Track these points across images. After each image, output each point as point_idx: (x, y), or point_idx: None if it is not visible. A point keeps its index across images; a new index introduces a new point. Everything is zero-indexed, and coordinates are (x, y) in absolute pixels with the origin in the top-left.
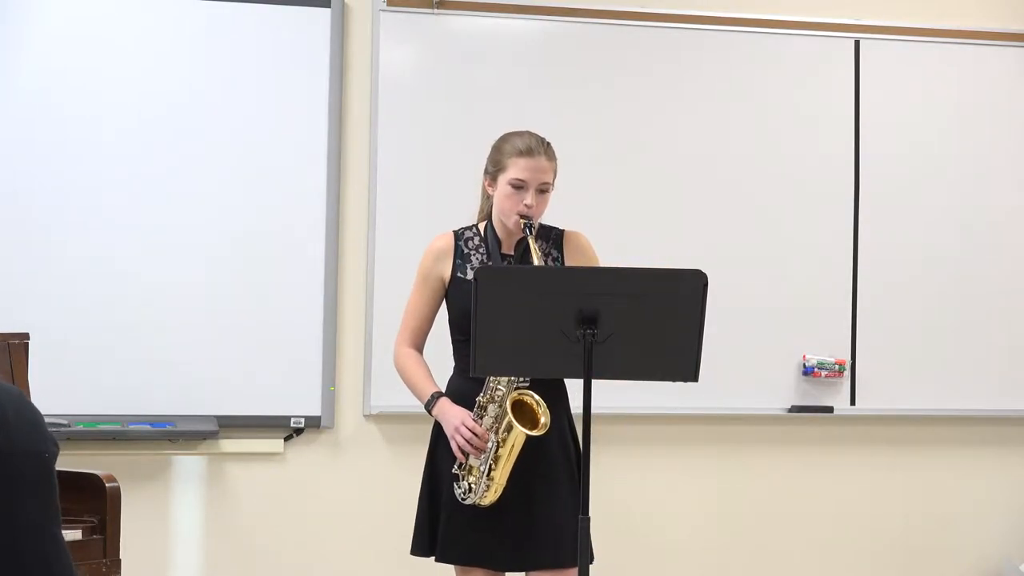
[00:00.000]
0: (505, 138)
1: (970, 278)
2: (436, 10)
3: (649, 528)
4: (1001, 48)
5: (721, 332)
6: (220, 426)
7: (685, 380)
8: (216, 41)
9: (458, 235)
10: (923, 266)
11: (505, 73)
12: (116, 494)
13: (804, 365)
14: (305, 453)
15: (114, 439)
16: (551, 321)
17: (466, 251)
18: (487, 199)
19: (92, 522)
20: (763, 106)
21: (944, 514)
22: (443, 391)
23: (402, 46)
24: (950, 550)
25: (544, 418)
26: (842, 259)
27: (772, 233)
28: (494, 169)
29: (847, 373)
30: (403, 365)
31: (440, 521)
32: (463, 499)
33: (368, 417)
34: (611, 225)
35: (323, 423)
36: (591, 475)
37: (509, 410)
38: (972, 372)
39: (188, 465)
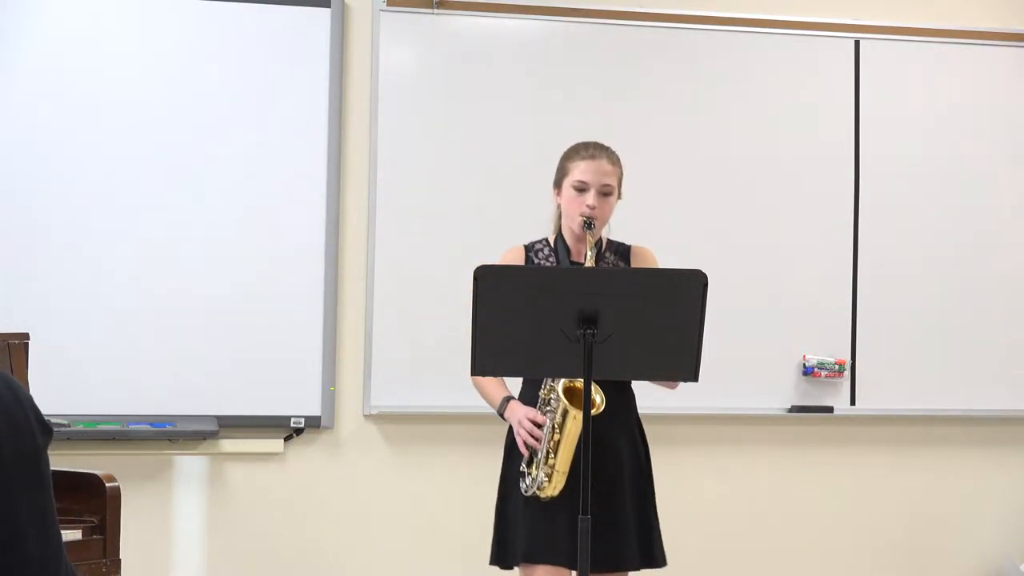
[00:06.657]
0: (569, 148)
1: (970, 278)
2: (436, 10)
3: None
4: (1001, 48)
5: (721, 332)
6: (220, 426)
7: (685, 380)
8: (216, 41)
9: (528, 247)
10: (923, 266)
11: (505, 73)
12: (116, 494)
13: (804, 365)
14: (305, 453)
15: (114, 439)
16: (551, 321)
17: (536, 261)
18: (557, 210)
19: (92, 522)
20: (763, 106)
21: (944, 514)
22: (513, 396)
23: (402, 46)
24: (950, 550)
25: (599, 397)
26: (842, 259)
27: (772, 233)
28: (559, 176)
29: (847, 373)
30: (478, 378)
31: (521, 523)
32: (526, 491)
33: (368, 417)
34: (610, 225)
35: (323, 423)
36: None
37: (561, 393)
38: (972, 372)
39: (188, 465)
